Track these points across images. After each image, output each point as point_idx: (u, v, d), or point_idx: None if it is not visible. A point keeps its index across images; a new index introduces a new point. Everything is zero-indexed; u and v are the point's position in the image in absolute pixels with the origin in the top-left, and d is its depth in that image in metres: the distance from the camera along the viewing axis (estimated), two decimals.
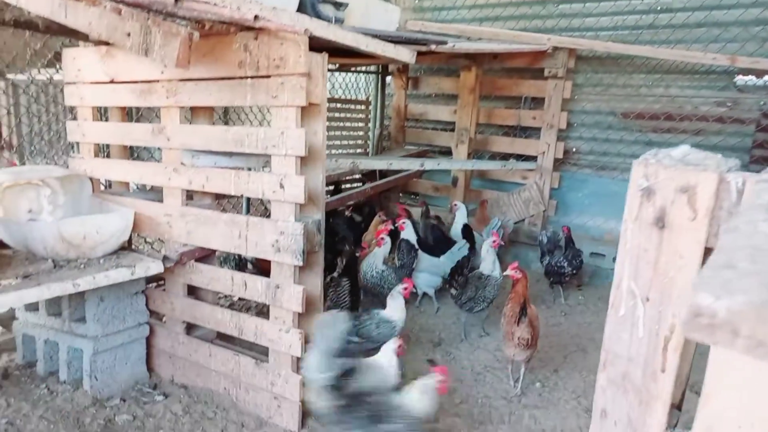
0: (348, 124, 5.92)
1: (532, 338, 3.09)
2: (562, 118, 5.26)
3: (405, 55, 3.11)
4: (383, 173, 5.52)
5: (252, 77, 2.61)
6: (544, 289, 4.80)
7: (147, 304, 3.18)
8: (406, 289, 3.26)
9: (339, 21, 3.89)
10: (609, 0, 5.14)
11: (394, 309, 3.23)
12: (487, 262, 3.81)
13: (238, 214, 2.80)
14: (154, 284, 3.49)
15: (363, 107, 6.10)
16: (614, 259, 4.65)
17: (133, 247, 3.29)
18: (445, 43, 3.75)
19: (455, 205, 5.07)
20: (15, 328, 3.18)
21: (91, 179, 3.37)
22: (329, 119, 5.81)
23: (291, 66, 2.47)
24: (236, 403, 2.84)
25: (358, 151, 6.11)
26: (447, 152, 5.92)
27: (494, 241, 3.88)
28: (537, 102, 5.52)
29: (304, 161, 2.63)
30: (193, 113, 3.10)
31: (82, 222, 2.88)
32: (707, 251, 1.15)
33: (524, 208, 5.50)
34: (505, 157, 5.78)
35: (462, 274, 3.88)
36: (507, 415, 2.90)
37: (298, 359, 2.69)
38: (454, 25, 5.54)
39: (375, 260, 3.80)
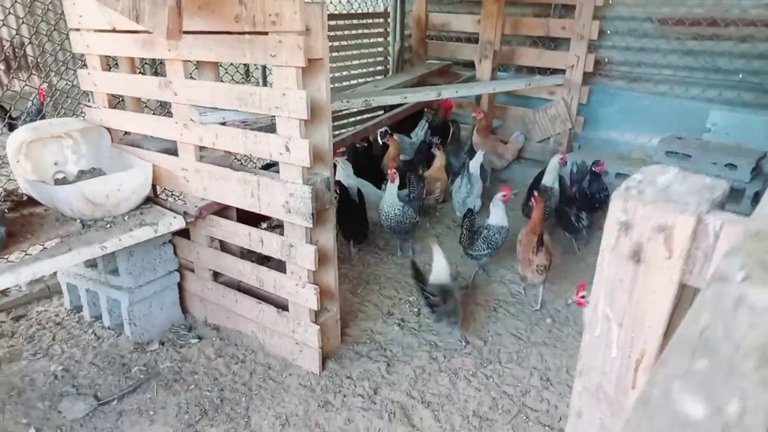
0: (366, 40, 5.65)
1: (549, 264, 3.36)
2: (594, 27, 4.88)
3: None
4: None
5: (249, 33, 2.51)
6: None
7: (175, 252, 3.37)
8: (505, 196, 3.63)
9: None
10: None
11: (501, 215, 3.61)
12: (550, 176, 4.26)
13: (249, 173, 2.83)
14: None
15: (381, 20, 5.77)
16: None
17: (158, 196, 3.41)
18: None
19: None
20: (59, 277, 3.44)
21: (109, 129, 3.43)
22: (345, 37, 5.57)
23: (287, 23, 2.35)
24: (263, 345, 3.08)
25: (378, 68, 5.89)
26: (471, 65, 5.64)
27: (562, 158, 4.31)
28: (568, 9, 5.11)
29: (310, 119, 2.60)
30: (200, 67, 3.04)
31: (104, 181, 2.99)
32: (683, 286, 1.15)
33: (550, 126, 5.32)
34: (531, 70, 5.49)
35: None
36: (515, 353, 3.06)
37: (316, 312, 2.86)
38: None
39: (392, 198, 3.83)
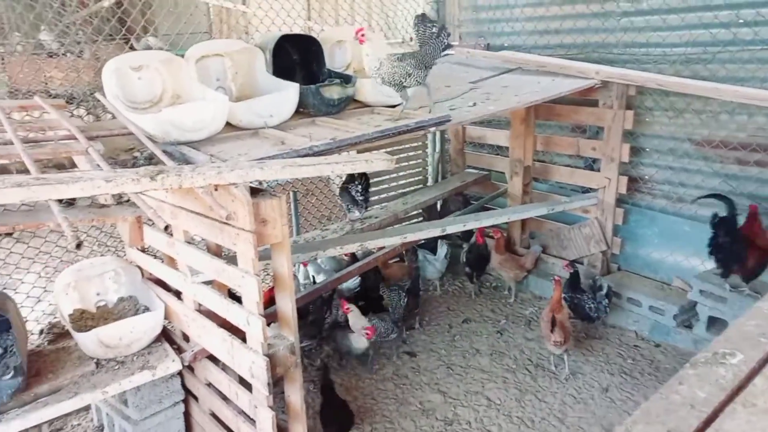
0: (403, 155, 5.91)
1: (565, 339, 4.02)
2: (624, 149, 4.72)
3: (380, 164, 3.09)
4: (445, 210, 5.58)
5: (219, 221, 2.85)
6: None
7: (183, 383, 3.72)
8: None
9: (347, 98, 3.92)
10: (680, 12, 4.39)
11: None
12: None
13: (227, 333, 3.11)
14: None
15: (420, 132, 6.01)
16: (674, 317, 4.29)
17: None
18: (448, 120, 3.59)
19: None
20: None
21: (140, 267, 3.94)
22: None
23: (241, 221, 2.66)
24: None
25: (418, 179, 6.10)
26: None
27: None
28: (603, 129, 5.00)
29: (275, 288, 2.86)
30: None
31: (117, 326, 3.41)
32: None
33: (585, 245, 5.12)
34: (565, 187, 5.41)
35: None
36: None
37: None
38: (501, 53, 5.16)
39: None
